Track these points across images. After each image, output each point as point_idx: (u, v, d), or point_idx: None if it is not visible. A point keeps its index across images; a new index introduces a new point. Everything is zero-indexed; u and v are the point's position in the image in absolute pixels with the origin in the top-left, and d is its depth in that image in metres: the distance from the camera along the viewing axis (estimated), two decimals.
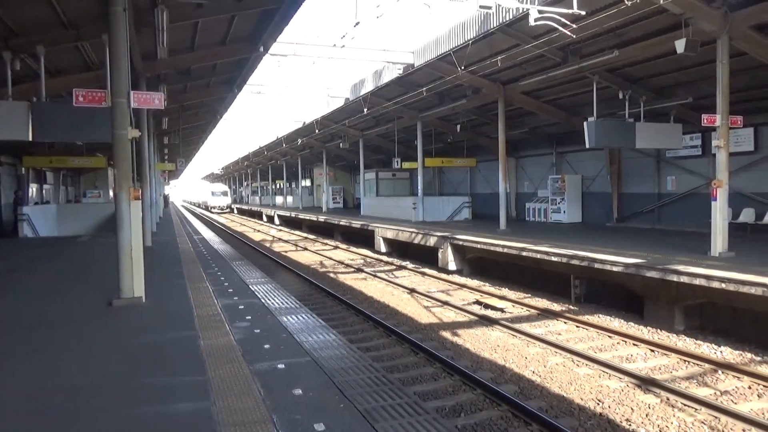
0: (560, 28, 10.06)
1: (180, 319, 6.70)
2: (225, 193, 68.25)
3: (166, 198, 50.92)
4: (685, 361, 7.68)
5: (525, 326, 9.56)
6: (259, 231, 34.88)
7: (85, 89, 7.65)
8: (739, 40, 10.38)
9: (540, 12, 9.75)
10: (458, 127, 21.60)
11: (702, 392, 6.52)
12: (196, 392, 4.27)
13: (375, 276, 15.38)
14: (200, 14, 10.68)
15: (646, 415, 5.96)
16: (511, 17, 11.54)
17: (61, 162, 23.03)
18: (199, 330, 6.12)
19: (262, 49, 12.97)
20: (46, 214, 20.35)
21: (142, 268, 7.53)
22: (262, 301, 7.99)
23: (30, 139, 9.05)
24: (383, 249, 20.63)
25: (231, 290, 8.79)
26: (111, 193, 30.61)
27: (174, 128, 24.14)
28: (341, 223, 25.91)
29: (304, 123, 28.55)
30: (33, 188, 26.86)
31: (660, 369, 7.45)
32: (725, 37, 10.21)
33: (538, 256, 12.02)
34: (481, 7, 9.58)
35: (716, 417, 5.82)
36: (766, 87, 13.09)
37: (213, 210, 64.53)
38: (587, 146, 13.65)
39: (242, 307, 7.48)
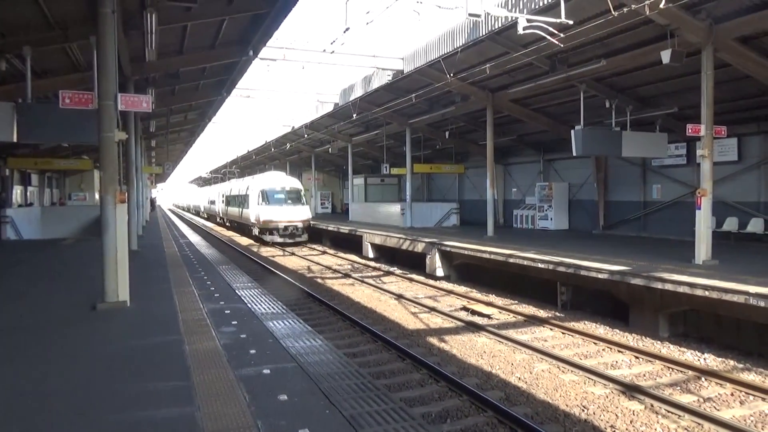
0: (548, 37, 10.15)
1: (165, 323, 6.65)
2: (296, 196, 27.32)
3: (153, 202, 50.56)
4: (669, 367, 7.75)
5: (511, 333, 9.59)
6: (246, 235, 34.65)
7: (72, 91, 7.61)
8: (723, 51, 10.57)
9: (528, 21, 9.84)
10: (447, 133, 21.71)
11: (685, 399, 6.57)
12: (180, 397, 4.23)
13: (362, 281, 15.35)
14: (189, 17, 10.63)
15: (631, 422, 6.00)
16: (499, 25, 11.64)
17: (46, 164, 22.82)
18: (185, 335, 6.07)
19: (251, 53, 12.95)
20: (30, 216, 20.11)
21: (127, 271, 7.47)
22: (249, 306, 7.95)
23: (15, 140, 8.94)
24: (371, 254, 20.60)
25: (217, 295, 8.74)
26: (97, 196, 30.27)
27: (162, 131, 24.00)
28: (329, 228, 25.85)
29: (293, 128, 28.49)
30: (17, 190, 26.51)
31: (644, 376, 7.51)
32: (710, 49, 10.39)
33: (525, 262, 12.08)
34: (470, 15, 9.62)
35: (699, 423, 5.88)
36: (750, 98, 13.30)
37: (269, 237, 26.16)
38: (574, 154, 13.77)
39: (228, 311, 7.43)
